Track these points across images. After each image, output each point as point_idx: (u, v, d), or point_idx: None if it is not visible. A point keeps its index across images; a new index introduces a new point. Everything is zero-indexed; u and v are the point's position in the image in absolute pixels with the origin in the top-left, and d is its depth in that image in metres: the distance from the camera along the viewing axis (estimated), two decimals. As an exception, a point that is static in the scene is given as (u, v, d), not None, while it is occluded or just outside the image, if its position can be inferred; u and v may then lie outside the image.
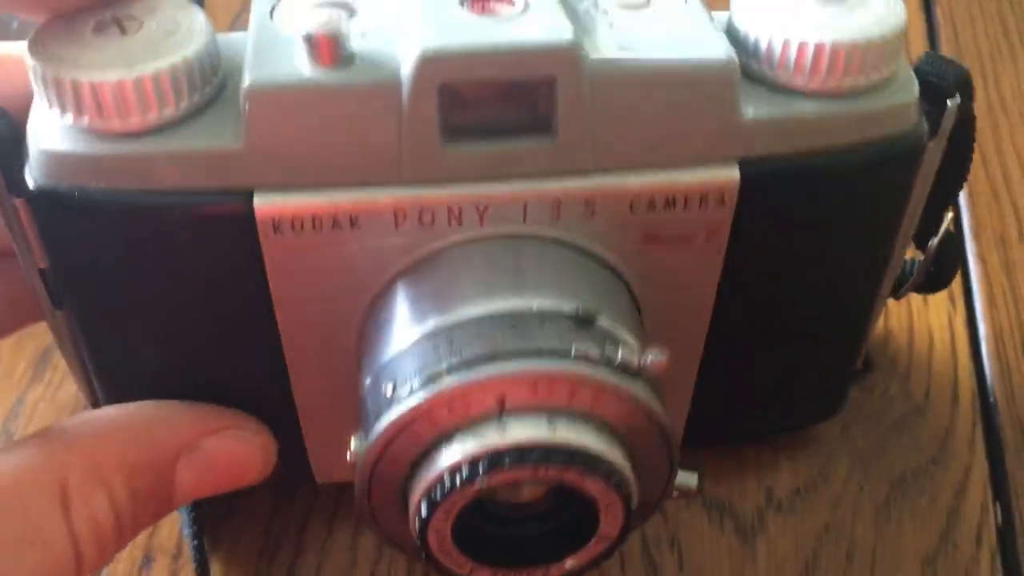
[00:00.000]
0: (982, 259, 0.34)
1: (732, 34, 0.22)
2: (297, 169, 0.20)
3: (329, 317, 0.22)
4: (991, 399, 0.30)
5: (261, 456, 0.24)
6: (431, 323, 0.20)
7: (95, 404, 0.25)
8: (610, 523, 0.20)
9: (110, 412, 0.23)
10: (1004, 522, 0.28)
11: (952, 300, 0.32)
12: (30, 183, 0.20)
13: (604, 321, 0.20)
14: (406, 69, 0.19)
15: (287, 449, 0.25)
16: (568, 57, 0.19)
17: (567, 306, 0.20)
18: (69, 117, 0.20)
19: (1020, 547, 0.27)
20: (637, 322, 0.22)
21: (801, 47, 0.21)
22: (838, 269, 0.24)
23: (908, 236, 0.25)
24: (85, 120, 0.20)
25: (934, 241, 0.26)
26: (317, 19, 0.19)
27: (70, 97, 0.19)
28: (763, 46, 0.21)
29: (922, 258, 0.26)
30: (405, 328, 0.21)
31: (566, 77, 0.20)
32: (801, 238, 0.23)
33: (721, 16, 0.22)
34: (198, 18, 0.21)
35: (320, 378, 0.23)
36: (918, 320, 0.32)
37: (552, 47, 0.19)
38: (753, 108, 0.21)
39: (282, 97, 0.19)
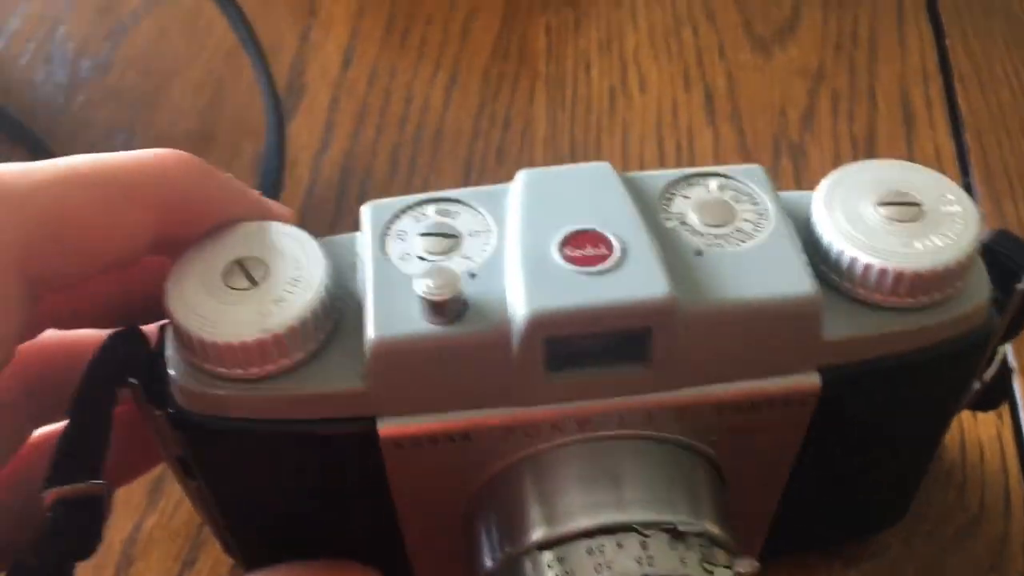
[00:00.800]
0: (1024, 373, 0.35)
1: (813, 244, 0.23)
2: (415, 401, 0.22)
3: (440, 503, 0.25)
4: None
5: None
6: (532, 536, 0.23)
7: (221, 538, 0.28)
8: None
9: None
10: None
11: (999, 414, 0.34)
12: (169, 402, 0.22)
13: (697, 527, 0.22)
14: (516, 324, 0.21)
15: None
16: (664, 310, 0.21)
17: (665, 514, 0.22)
18: (198, 361, 0.22)
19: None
20: (725, 508, 0.24)
21: (882, 272, 0.22)
22: (908, 431, 0.26)
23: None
24: (216, 369, 0.22)
25: (990, 372, 0.27)
26: (435, 280, 0.21)
27: (201, 350, 0.21)
28: (844, 264, 0.22)
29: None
30: (515, 529, 0.23)
31: (662, 326, 0.21)
32: (876, 418, 0.25)
33: (794, 198, 0.24)
34: (316, 255, 0.22)
35: (432, 543, 0.26)
36: (969, 434, 0.34)
37: (649, 304, 0.21)
38: (834, 326, 0.22)
39: (403, 349, 0.21)
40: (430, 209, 0.23)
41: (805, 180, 0.41)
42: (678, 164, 0.42)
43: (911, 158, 0.40)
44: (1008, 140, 0.42)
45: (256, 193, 0.24)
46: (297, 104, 0.45)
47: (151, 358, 0.23)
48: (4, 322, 0.20)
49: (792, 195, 0.25)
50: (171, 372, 0.22)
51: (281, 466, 0.23)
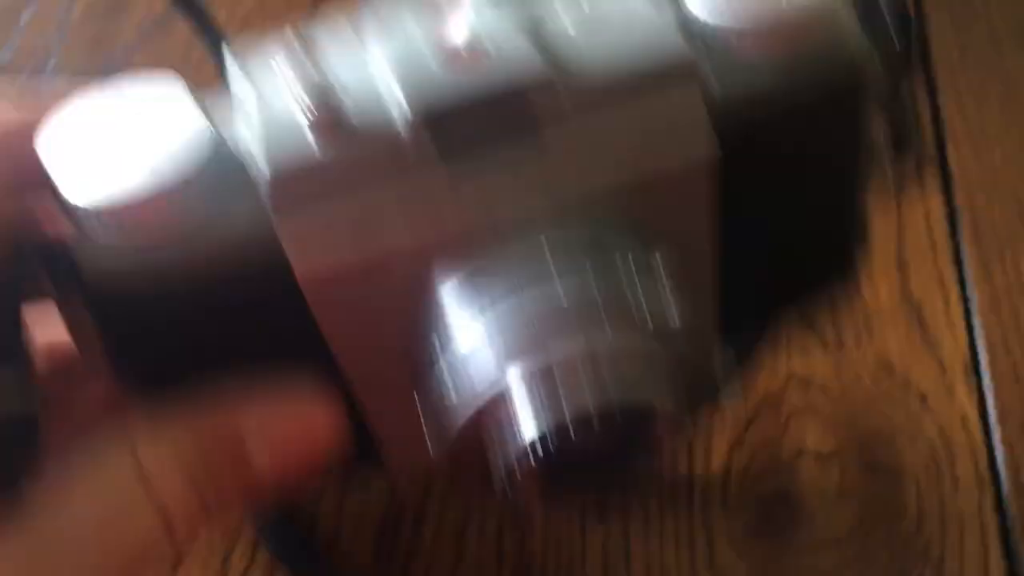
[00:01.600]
0: (1008, 444, 0.34)
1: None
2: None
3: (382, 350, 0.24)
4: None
5: (331, 415, 0.23)
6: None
7: None
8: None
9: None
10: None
11: (981, 485, 0.33)
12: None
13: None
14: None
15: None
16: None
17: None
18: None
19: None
20: None
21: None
22: (824, 181, 0.26)
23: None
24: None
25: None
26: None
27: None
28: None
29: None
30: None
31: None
32: (782, 173, 0.25)
33: None
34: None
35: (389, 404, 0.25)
36: (948, 508, 0.33)
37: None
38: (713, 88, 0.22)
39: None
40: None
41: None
42: None
43: (900, 220, 0.40)
44: (999, 202, 0.41)
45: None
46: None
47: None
48: None
49: None
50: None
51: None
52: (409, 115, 0.21)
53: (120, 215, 0.21)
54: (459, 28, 0.21)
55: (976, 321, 0.37)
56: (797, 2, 0.22)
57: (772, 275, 0.27)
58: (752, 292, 0.27)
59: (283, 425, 0.23)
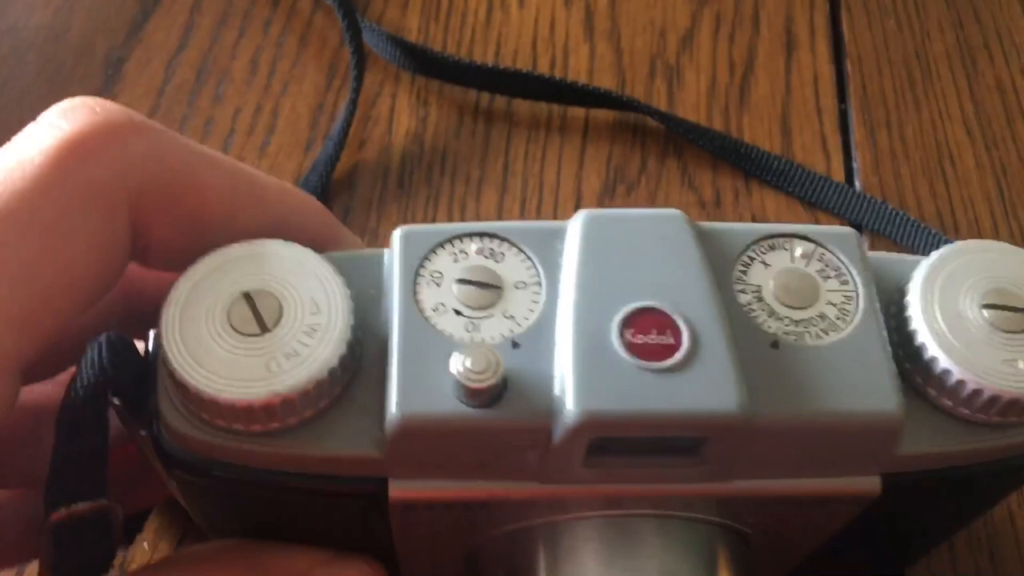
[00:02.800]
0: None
1: (903, 337, 0.20)
2: (433, 469, 0.20)
3: (443, 550, 0.23)
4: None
5: None
6: None
7: None
8: None
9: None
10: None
11: None
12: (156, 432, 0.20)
13: None
14: (562, 419, 0.18)
15: None
16: (731, 423, 0.18)
17: None
18: (194, 408, 0.19)
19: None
20: None
21: (976, 391, 0.19)
22: (949, 520, 0.25)
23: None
24: (217, 421, 0.19)
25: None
26: (475, 363, 0.18)
27: (197, 401, 0.19)
28: (935, 372, 0.20)
29: None
30: None
31: (722, 438, 0.19)
32: (923, 514, 0.23)
33: (889, 264, 0.21)
34: (338, 295, 0.19)
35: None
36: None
37: (716, 418, 0.18)
38: (911, 438, 0.20)
39: (429, 429, 0.19)
40: (472, 246, 0.20)
41: (678, 101, 0.40)
42: (548, 110, 0.40)
43: (789, 83, 0.40)
44: (889, 69, 0.41)
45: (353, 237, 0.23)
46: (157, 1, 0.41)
47: (139, 372, 0.20)
48: None
49: (888, 259, 0.22)
50: (161, 408, 0.19)
51: (277, 511, 0.21)
52: (573, 419, 0.18)
53: (234, 408, 0.18)
54: (669, 329, 0.19)
55: (857, 184, 0.37)
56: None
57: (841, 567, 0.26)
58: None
59: None
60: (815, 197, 0.37)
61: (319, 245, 0.20)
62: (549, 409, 0.18)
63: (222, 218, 0.20)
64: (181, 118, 0.38)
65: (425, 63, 0.39)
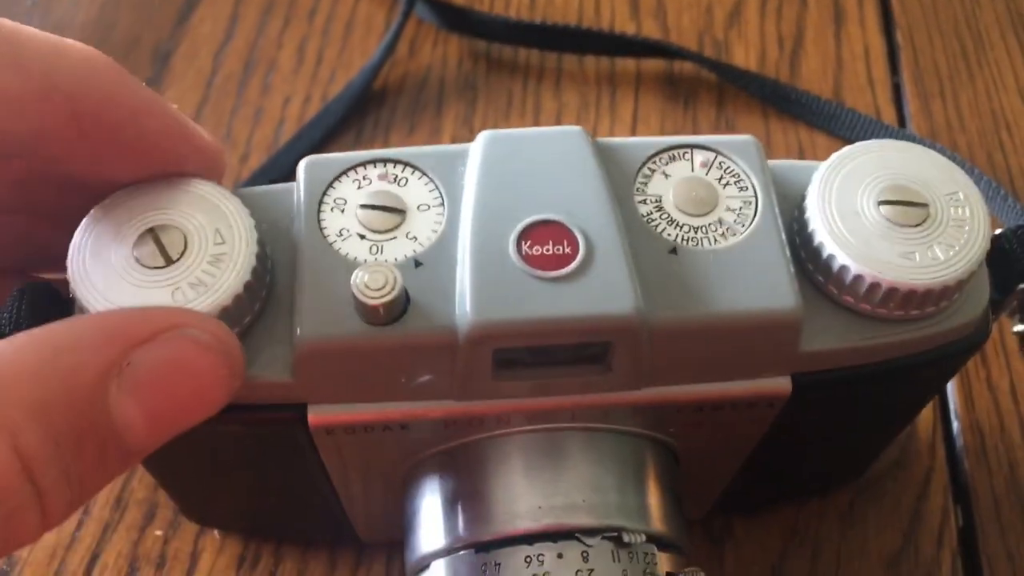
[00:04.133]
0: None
1: (802, 238, 0.21)
2: (348, 392, 0.20)
3: (375, 475, 0.23)
4: (950, 405, 0.31)
5: (218, 357, 0.17)
6: (475, 531, 0.21)
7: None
8: None
9: (9, 341, 0.16)
10: (966, 525, 0.29)
11: None
12: None
13: (642, 535, 0.21)
14: (461, 331, 0.19)
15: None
16: (627, 327, 0.19)
17: (611, 518, 0.21)
18: None
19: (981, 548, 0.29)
20: (676, 495, 0.23)
21: (873, 285, 0.20)
22: (878, 419, 0.25)
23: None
24: None
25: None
26: (372, 280, 0.18)
27: None
28: (833, 269, 0.20)
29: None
30: (445, 523, 0.22)
31: (624, 341, 0.19)
32: (845, 414, 0.23)
33: (789, 171, 0.22)
34: (240, 223, 0.20)
35: (369, 507, 0.25)
36: None
37: (611, 320, 0.19)
38: (813, 336, 0.20)
39: (334, 350, 0.19)
40: (374, 172, 0.21)
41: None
42: (596, 69, 0.39)
43: (839, 57, 0.39)
44: (940, 39, 0.40)
45: (176, 111, 0.20)
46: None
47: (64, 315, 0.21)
48: None
49: (786, 166, 0.22)
50: None
51: (205, 449, 0.22)
52: (471, 330, 0.18)
53: None
54: (566, 239, 0.19)
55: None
56: (934, 262, 0.20)
57: (782, 479, 0.27)
58: (756, 488, 0.27)
59: (155, 361, 0.17)
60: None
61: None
62: (451, 323, 0.19)
63: None
64: (231, 109, 0.38)
65: (471, 23, 0.39)
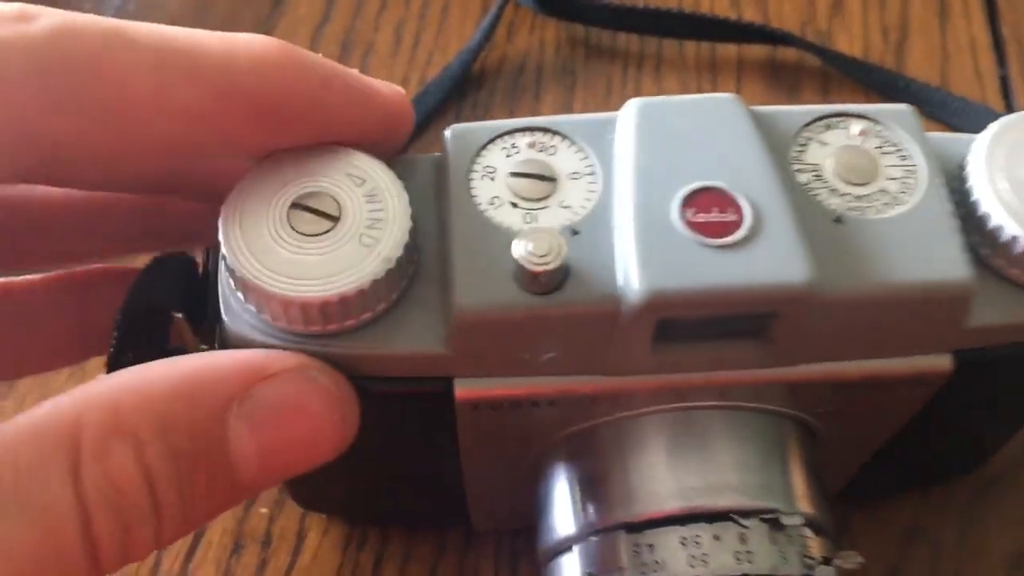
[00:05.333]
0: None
1: (967, 208, 0.20)
2: (498, 365, 0.20)
3: (508, 455, 0.23)
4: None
5: (335, 403, 0.18)
6: (623, 512, 0.20)
7: None
8: None
9: (142, 367, 0.17)
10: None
11: None
12: (220, 343, 0.20)
13: (797, 517, 0.20)
14: (626, 301, 0.18)
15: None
16: (798, 298, 0.18)
17: (764, 499, 0.20)
18: (263, 315, 0.19)
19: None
20: (820, 479, 0.22)
21: None
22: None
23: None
24: (280, 323, 0.19)
25: None
26: (537, 246, 0.18)
27: (266, 304, 0.18)
28: (1002, 240, 0.19)
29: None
30: (588, 504, 0.21)
31: (791, 312, 0.19)
32: (997, 395, 0.23)
33: (947, 143, 0.21)
34: (394, 193, 0.19)
35: (492, 492, 0.25)
36: None
37: (783, 290, 0.18)
38: (981, 311, 0.19)
39: (492, 320, 0.18)
40: (522, 140, 0.20)
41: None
42: (697, 54, 0.38)
43: (945, 49, 0.38)
44: None
45: (357, 77, 0.20)
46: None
47: (199, 288, 0.20)
48: None
49: (944, 138, 0.21)
50: (224, 318, 0.19)
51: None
52: (639, 298, 0.18)
53: (299, 307, 0.18)
54: (730, 206, 0.18)
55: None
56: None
57: (909, 465, 0.26)
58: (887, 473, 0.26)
59: (275, 396, 0.18)
60: (977, 128, 0.36)
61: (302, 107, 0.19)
62: (613, 292, 0.18)
63: (148, 97, 0.17)
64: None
65: (570, 8, 0.38)
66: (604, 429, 0.21)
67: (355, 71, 0.20)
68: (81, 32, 0.17)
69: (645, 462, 0.21)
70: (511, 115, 0.37)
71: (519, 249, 0.18)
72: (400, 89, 0.20)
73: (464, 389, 0.20)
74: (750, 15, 0.40)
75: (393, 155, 0.20)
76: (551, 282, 0.18)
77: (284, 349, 0.19)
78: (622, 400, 0.21)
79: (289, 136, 0.19)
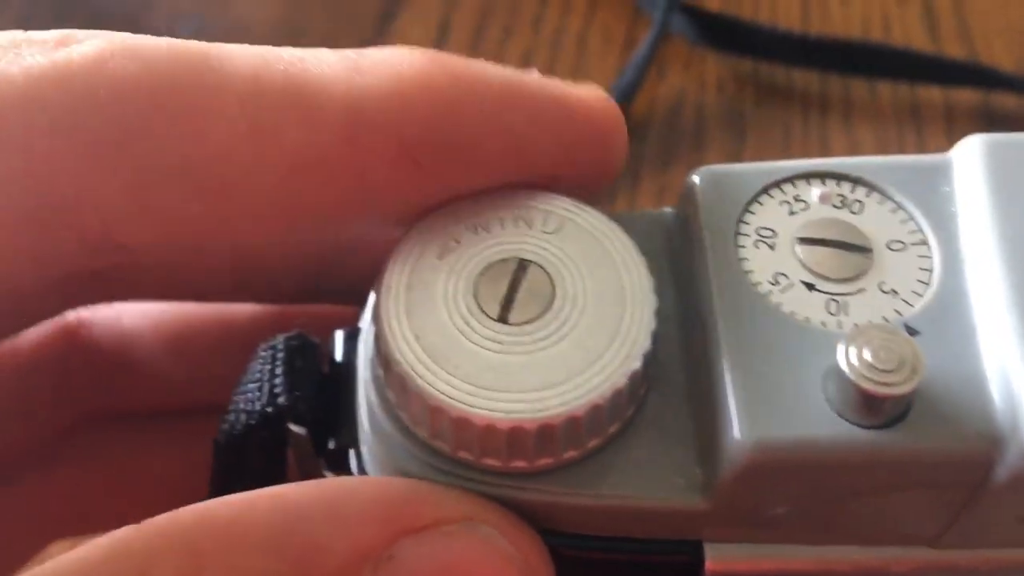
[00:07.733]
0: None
1: None
2: (768, 528, 0.13)
3: None
4: None
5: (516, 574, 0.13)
6: None
7: None
8: None
9: (242, 497, 0.13)
10: None
11: None
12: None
13: None
14: (1011, 442, 0.12)
15: None
16: None
17: None
18: (435, 442, 0.13)
19: None
20: None
21: None
22: None
23: None
24: (455, 453, 0.13)
25: None
26: (878, 356, 0.12)
27: (431, 421, 0.13)
28: None
29: None
30: None
31: None
32: None
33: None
34: (630, 259, 0.13)
35: None
36: None
37: None
38: None
39: (798, 461, 0.12)
40: (813, 192, 0.14)
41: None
42: (894, 98, 0.32)
43: None
44: None
45: (553, 87, 0.14)
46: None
47: (327, 390, 0.15)
48: None
49: None
50: (364, 439, 0.14)
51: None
52: None
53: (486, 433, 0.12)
54: None
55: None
56: None
57: None
58: None
59: (426, 560, 0.13)
60: None
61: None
62: (989, 428, 0.12)
63: (244, 143, 0.13)
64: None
65: (736, 37, 0.33)
66: None
67: (536, 73, 0.14)
68: (143, 55, 0.12)
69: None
70: (667, 166, 0.30)
71: (849, 358, 0.11)
72: (604, 93, 0.14)
73: (716, 560, 0.13)
74: (953, 50, 0.33)
75: (599, 191, 0.15)
76: (895, 410, 0.12)
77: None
78: None
79: (455, 183, 0.14)
